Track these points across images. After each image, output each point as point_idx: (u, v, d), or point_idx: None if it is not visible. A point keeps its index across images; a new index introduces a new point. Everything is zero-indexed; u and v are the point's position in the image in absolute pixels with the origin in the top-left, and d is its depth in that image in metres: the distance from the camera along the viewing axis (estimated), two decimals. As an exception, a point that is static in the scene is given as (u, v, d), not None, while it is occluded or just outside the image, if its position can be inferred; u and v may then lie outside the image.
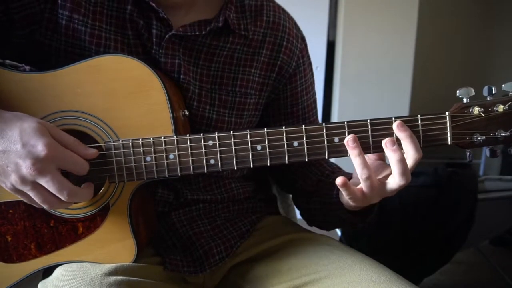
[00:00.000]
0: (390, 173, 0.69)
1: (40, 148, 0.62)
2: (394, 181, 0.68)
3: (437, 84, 3.09)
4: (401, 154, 0.68)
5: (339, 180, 0.68)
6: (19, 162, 0.62)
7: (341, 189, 0.70)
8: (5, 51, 0.78)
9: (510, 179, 1.85)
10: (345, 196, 0.71)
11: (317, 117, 0.98)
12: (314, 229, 0.93)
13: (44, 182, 0.63)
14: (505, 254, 2.27)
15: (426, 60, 3.00)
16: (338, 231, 1.93)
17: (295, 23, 0.92)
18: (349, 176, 0.79)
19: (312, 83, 0.96)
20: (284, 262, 0.81)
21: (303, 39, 0.92)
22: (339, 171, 0.90)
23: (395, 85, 2.55)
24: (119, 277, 0.68)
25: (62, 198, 0.65)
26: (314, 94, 0.96)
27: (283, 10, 0.91)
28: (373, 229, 1.72)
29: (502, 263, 2.11)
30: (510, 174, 2.61)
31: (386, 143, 0.68)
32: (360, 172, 0.68)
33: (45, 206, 0.66)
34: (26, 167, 0.62)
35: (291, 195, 1.03)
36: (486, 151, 0.72)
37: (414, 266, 1.71)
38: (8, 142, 0.63)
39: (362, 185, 0.69)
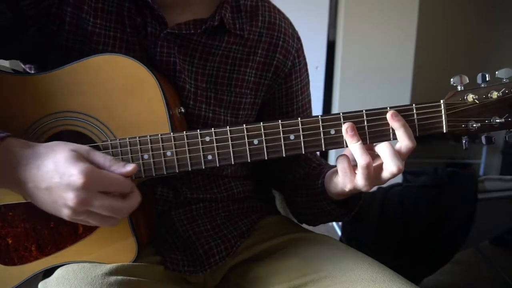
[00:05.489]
0: (382, 162, 0.69)
1: (76, 177, 0.60)
2: (387, 170, 0.69)
3: (437, 84, 3.09)
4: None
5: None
6: (63, 195, 0.61)
7: (339, 160, 0.71)
8: (16, 50, 0.78)
9: (510, 179, 1.85)
10: (339, 171, 0.71)
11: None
12: (314, 229, 0.93)
13: (94, 209, 0.63)
14: (505, 254, 2.27)
15: (426, 59, 3.00)
16: (338, 231, 1.93)
17: (291, 23, 0.92)
18: (333, 167, 0.79)
19: (307, 83, 0.96)
20: (284, 262, 0.82)
21: (298, 39, 0.93)
22: (326, 164, 0.91)
23: (395, 84, 2.55)
24: (120, 277, 0.68)
25: (118, 217, 0.65)
26: (309, 95, 0.96)
27: (279, 10, 0.92)
28: (373, 229, 1.72)
29: (502, 263, 2.11)
30: (510, 174, 2.61)
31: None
32: (359, 160, 0.68)
33: (107, 226, 0.66)
34: (71, 200, 0.61)
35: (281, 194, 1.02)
36: (482, 138, 0.72)
37: (414, 266, 1.71)
38: (48, 178, 0.62)
39: (359, 173, 0.69)
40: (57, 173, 0.61)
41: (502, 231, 2.09)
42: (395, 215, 1.68)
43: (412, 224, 1.67)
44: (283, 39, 0.88)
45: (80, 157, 0.63)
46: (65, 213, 0.63)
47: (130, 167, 0.66)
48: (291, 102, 0.92)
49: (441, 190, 1.67)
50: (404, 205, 1.67)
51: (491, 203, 1.78)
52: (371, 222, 1.71)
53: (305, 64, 0.95)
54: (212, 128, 0.69)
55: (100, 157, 0.65)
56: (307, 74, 0.96)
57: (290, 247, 0.85)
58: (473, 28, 3.29)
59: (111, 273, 0.69)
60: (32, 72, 0.81)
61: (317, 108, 2.54)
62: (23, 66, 0.83)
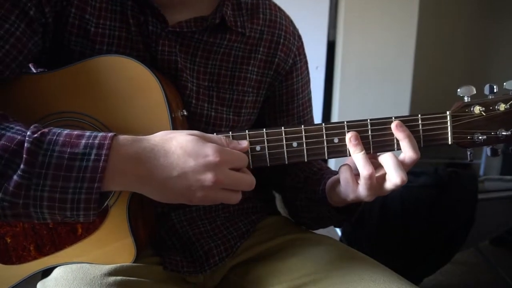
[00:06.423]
0: (385, 173, 0.69)
1: (212, 157, 0.61)
2: (390, 181, 0.68)
3: (438, 84, 3.09)
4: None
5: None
6: (200, 178, 0.60)
7: (342, 169, 0.71)
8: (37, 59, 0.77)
9: (510, 179, 1.85)
10: (341, 181, 0.71)
11: (312, 115, 0.98)
12: (314, 229, 0.93)
13: (228, 185, 0.63)
14: (505, 254, 2.27)
15: (427, 59, 3.00)
16: (338, 231, 1.93)
17: (291, 21, 0.92)
18: (335, 173, 0.79)
19: (308, 81, 0.96)
20: (284, 262, 0.81)
21: (299, 37, 0.93)
22: (326, 169, 0.90)
23: (396, 84, 2.55)
24: (119, 277, 0.68)
25: (241, 190, 0.65)
26: (309, 93, 0.96)
27: (279, 8, 0.92)
28: (373, 229, 1.72)
29: (502, 263, 2.11)
30: (511, 174, 2.61)
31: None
32: (361, 170, 0.68)
33: (233, 202, 0.66)
34: (209, 181, 0.60)
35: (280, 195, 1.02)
36: (487, 150, 0.72)
37: (414, 266, 1.71)
38: (181, 164, 0.60)
39: (362, 183, 0.69)
40: (190, 157, 0.60)
41: (502, 231, 2.09)
42: (395, 215, 1.68)
43: (412, 224, 1.67)
44: (284, 37, 0.88)
45: (202, 138, 0.63)
46: (198, 196, 0.62)
47: (245, 143, 0.67)
48: (292, 100, 0.91)
49: (441, 190, 1.66)
50: (404, 205, 1.67)
51: (491, 203, 1.78)
52: (371, 222, 1.71)
53: (306, 62, 0.95)
54: (215, 133, 0.69)
55: (215, 137, 0.66)
56: (308, 72, 0.96)
57: (290, 247, 0.85)
58: (474, 28, 3.28)
59: (110, 273, 0.69)
60: (34, 71, 0.81)
61: (317, 108, 2.54)
62: (33, 69, 0.82)
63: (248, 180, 0.65)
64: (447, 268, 1.87)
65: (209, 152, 0.61)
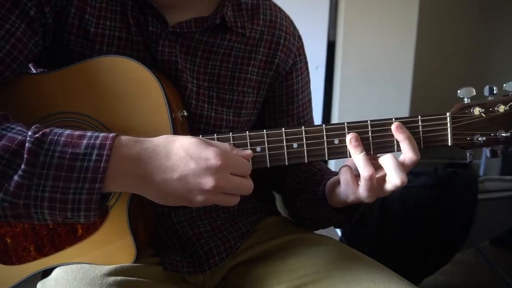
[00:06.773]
0: (385, 174, 0.69)
1: (213, 160, 0.60)
2: (390, 182, 0.68)
3: (438, 84, 3.09)
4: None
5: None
6: (201, 181, 0.60)
7: (342, 170, 0.71)
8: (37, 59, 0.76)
9: (510, 179, 1.85)
10: (341, 182, 0.71)
11: (312, 116, 0.98)
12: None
13: (228, 190, 0.63)
14: (505, 254, 2.27)
15: (427, 59, 3.00)
16: (338, 231, 1.93)
17: (292, 22, 0.93)
18: (335, 174, 0.79)
19: (308, 82, 0.96)
20: (284, 263, 0.81)
21: (299, 37, 0.93)
22: (326, 170, 0.91)
23: (396, 85, 2.55)
24: (119, 278, 0.68)
25: (248, 193, 0.65)
26: (309, 93, 0.96)
27: (279, 8, 0.92)
28: (373, 229, 1.72)
29: (502, 263, 2.11)
30: (511, 174, 2.61)
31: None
32: (362, 171, 0.68)
33: (231, 205, 0.66)
34: (209, 184, 0.60)
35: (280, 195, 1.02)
36: (486, 151, 0.72)
37: (414, 266, 1.71)
38: (182, 165, 0.60)
39: (362, 184, 0.69)
40: (191, 159, 0.60)
41: (502, 231, 2.09)
42: (395, 215, 1.68)
43: (412, 224, 1.67)
44: (284, 38, 0.88)
45: (206, 141, 0.63)
46: (197, 200, 0.62)
47: (249, 151, 0.67)
48: (292, 101, 0.91)
49: (441, 190, 1.66)
50: (404, 205, 1.67)
51: (491, 203, 1.78)
52: (371, 223, 1.71)
53: (306, 63, 0.95)
54: (215, 134, 0.69)
55: (218, 143, 0.65)
56: (308, 73, 0.96)
57: (290, 247, 0.85)
58: (474, 28, 3.28)
59: (110, 273, 0.69)
60: (34, 71, 0.81)
61: (317, 108, 2.54)
62: (33, 69, 0.82)
63: (247, 185, 0.65)
64: (447, 268, 1.87)
65: (211, 155, 0.61)
